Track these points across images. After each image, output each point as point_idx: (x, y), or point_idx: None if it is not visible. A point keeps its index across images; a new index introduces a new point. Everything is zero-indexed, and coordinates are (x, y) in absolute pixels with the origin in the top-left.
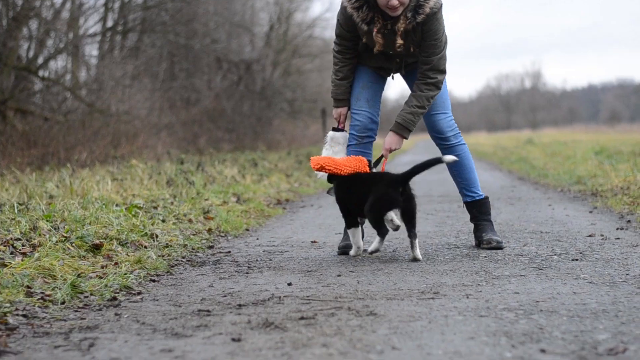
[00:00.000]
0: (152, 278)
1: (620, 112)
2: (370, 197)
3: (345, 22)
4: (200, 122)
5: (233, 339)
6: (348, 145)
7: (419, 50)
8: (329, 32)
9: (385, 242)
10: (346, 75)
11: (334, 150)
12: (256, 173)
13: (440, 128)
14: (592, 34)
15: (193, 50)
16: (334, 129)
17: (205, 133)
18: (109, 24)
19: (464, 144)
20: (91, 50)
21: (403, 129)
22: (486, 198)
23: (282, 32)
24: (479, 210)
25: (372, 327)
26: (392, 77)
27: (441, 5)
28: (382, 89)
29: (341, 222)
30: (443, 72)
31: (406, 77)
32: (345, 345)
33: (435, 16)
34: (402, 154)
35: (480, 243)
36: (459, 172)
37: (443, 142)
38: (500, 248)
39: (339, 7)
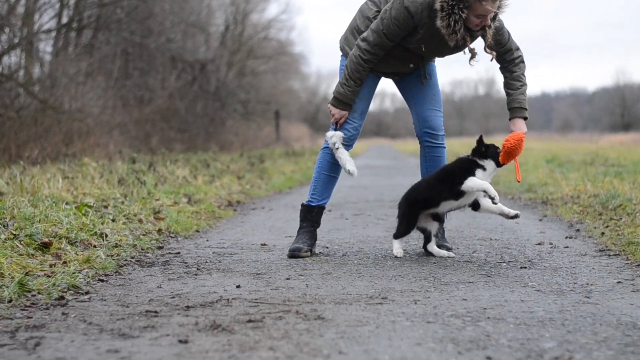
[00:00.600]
0: (101, 278)
1: (572, 121)
2: None
3: (403, 29)
4: (153, 121)
5: (180, 341)
6: (325, 148)
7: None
8: (285, 33)
9: (335, 246)
10: (363, 82)
11: (342, 148)
12: (208, 174)
13: (436, 125)
14: (547, 43)
15: (148, 49)
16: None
17: (158, 133)
18: (64, 20)
19: (445, 147)
20: (45, 47)
21: (524, 111)
22: None
23: (238, 32)
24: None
25: (320, 331)
26: (422, 83)
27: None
28: (372, 99)
29: (292, 225)
30: (518, 48)
31: (407, 82)
32: (292, 349)
33: (500, 22)
34: (356, 157)
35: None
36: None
37: (431, 139)
38: (449, 253)
39: (296, 10)
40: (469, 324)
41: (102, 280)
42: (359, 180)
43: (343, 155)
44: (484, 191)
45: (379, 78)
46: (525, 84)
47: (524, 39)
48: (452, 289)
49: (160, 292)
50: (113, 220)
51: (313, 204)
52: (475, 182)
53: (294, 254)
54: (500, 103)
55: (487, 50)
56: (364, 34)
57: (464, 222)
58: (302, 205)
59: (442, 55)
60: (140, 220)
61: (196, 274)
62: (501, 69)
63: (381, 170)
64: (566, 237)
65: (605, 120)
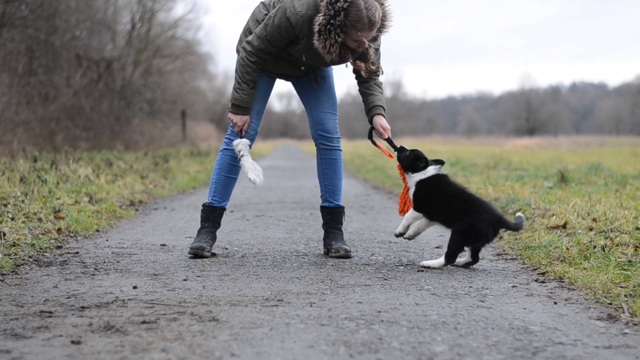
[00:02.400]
0: None
1: (478, 124)
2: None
3: (285, 37)
4: (57, 119)
5: (73, 342)
6: (224, 150)
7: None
8: (192, 33)
9: (235, 247)
10: (256, 83)
11: (248, 156)
12: (111, 173)
13: (330, 127)
14: (453, 46)
15: (53, 46)
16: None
17: (63, 130)
18: None
19: (341, 150)
20: None
21: (384, 110)
22: (343, 208)
23: (145, 31)
24: (333, 217)
25: (213, 333)
26: (315, 85)
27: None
28: (268, 98)
29: (193, 226)
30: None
31: (303, 85)
32: (184, 350)
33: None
34: (262, 158)
35: (329, 251)
36: (329, 176)
37: (326, 142)
38: (348, 257)
39: (203, 10)
40: (363, 327)
41: None
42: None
43: (247, 163)
44: None
45: (274, 79)
46: (382, 91)
47: (433, 41)
48: (348, 291)
49: (56, 292)
50: (12, 219)
51: (215, 205)
52: None
53: (197, 252)
54: (407, 106)
55: (371, 67)
56: (249, 37)
57: (364, 225)
58: (204, 205)
59: (325, 65)
60: (40, 219)
61: (93, 274)
62: (361, 81)
63: (286, 171)
64: None
65: (510, 124)
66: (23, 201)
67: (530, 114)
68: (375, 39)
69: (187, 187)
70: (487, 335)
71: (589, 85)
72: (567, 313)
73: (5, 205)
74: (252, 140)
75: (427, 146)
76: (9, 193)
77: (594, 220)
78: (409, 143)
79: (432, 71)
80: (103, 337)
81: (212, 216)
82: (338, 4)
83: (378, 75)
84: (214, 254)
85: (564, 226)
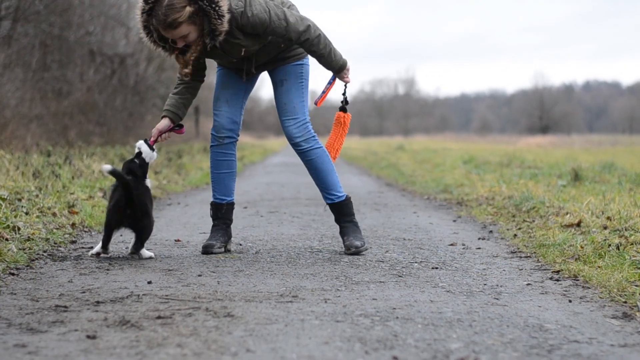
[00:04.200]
0: (12, 271)
1: (491, 122)
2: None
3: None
4: (71, 114)
5: (88, 336)
6: (210, 147)
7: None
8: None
9: (249, 243)
10: (179, 90)
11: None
12: None
13: (289, 133)
14: (469, 44)
15: (67, 42)
16: (145, 141)
17: (76, 126)
18: None
19: (317, 147)
20: None
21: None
22: (347, 199)
23: None
24: (339, 212)
25: (229, 329)
26: (244, 79)
27: (242, 6)
28: (247, 89)
29: (206, 222)
30: (303, 32)
31: (271, 74)
32: (199, 346)
33: (243, 20)
34: (274, 154)
35: (344, 248)
36: (315, 176)
37: (295, 147)
38: (359, 254)
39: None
40: (378, 323)
41: (12, 274)
42: (276, 178)
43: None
44: None
45: (228, 69)
46: (328, 50)
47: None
48: (362, 288)
49: (71, 286)
50: (26, 214)
51: (218, 202)
52: None
53: (206, 250)
54: (420, 103)
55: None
56: None
57: (378, 222)
58: (211, 203)
59: (218, 60)
60: (54, 214)
61: (108, 269)
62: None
63: (298, 167)
64: (479, 239)
65: (523, 122)
66: (37, 196)
67: (543, 112)
68: (242, 30)
69: (200, 182)
70: (503, 333)
71: (603, 84)
72: (582, 311)
73: (20, 200)
74: (224, 128)
75: (440, 144)
76: (23, 187)
77: (609, 218)
78: (421, 141)
79: (445, 69)
80: (118, 332)
81: (219, 213)
82: None
83: (307, 44)
84: (228, 250)
85: (578, 224)
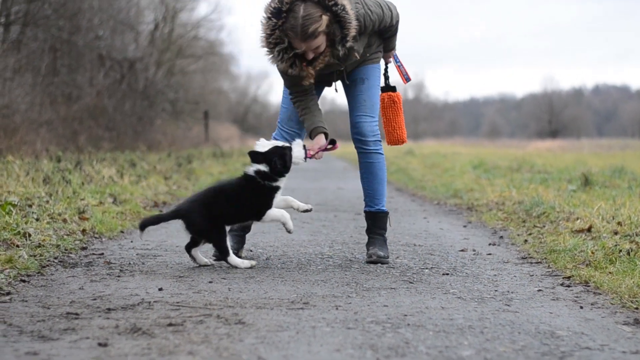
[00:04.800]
0: (23, 278)
1: (500, 126)
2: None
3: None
4: (80, 119)
5: (99, 344)
6: None
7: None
8: (214, 33)
9: (259, 249)
10: (312, 107)
11: None
12: (134, 174)
13: (364, 131)
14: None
15: (76, 46)
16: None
17: (86, 131)
18: None
19: (381, 153)
20: None
21: None
22: (386, 213)
23: (167, 31)
24: (374, 222)
25: (240, 336)
26: (336, 90)
27: (362, 8)
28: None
29: None
30: (397, 15)
31: (346, 87)
32: (211, 353)
33: (367, 21)
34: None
35: (367, 256)
36: (367, 179)
37: (361, 145)
38: (382, 263)
39: (226, 11)
40: (389, 330)
41: (23, 281)
42: (286, 183)
43: None
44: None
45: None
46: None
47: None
48: (373, 294)
49: (82, 293)
50: (37, 220)
51: None
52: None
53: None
54: (429, 107)
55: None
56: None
57: (388, 228)
58: None
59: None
60: (64, 220)
61: (119, 276)
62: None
63: (308, 172)
64: (489, 244)
65: (532, 126)
66: (47, 202)
67: (552, 116)
68: (362, 33)
69: None
70: (514, 340)
71: (612, 87)
72: (593, 317)
73: (30, 206)
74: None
75: (450, 148)
76: (34, 193)
77: (619, 224)
78: (430, 145)
79: (454, 73)
80: (130, 340)
81: None
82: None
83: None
84: (240, 257)
85: (589, 230)
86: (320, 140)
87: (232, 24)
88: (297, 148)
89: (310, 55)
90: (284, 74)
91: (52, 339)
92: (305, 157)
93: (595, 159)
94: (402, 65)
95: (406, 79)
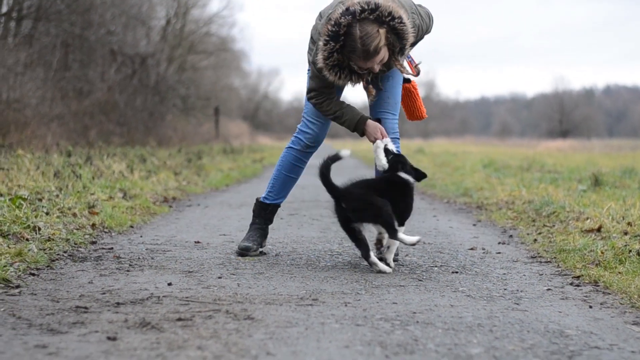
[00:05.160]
0: (32, 272)
1: (511, 125)
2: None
3: (325, 81)
4: (91, 114)
5: (108, 338)
6: (289, 148)
7: None
8: (226, 29)
9: (269, 245)
10: (339, 104)
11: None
12: (145, 169)
13: (385, 127)
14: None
15: (88, 41)
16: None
17: (97, 125)
18: (4, 9)
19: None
20: None
21: None
22: None
23: (179, 27)
24: None
25: (249, 332)
26: (373, 93)
27: (417, 17)
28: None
29: (226, 223)
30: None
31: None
32: (220, 348)
33: (421, 31)
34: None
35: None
36: None
37: None
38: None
39: (238, 7)
40: (398, 327)
41: (33, 275)
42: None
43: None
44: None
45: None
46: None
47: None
48: (383, 292)
49: (91, 287)
50: (47, 214)
51: (268, 202)
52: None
53: (242, 253)
54: (440, 106)
55: (367, 87)
56: (308, 85)
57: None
58: (257, 200)
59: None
60: (74, 215)
61: (128, 270)
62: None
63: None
64: (499, 243)
65: (543, 126)
66: (57, 196)
67: (563, 116)
68: (399, 50)
69: (220, 184)
70: (523, 339)
71: (623, 88)
72: (602, 317)
73: (40, 200)
74: (316, 140)
75: (460, 147)
76: (44, 187)
77: (629, 224)
78: (441, 144)
79: (465, 72)
80: (139, 334)
81: (263, 213)
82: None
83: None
84: (262, 253)
85: (599, 230)
86: (377, 126)
87: (243, 21)
88: (387, 143)
89: (377, 69)
90: (319, 77)
91: (61, 332)
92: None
93: (606, 159)
94: (413, 60)
95: (416, 70)
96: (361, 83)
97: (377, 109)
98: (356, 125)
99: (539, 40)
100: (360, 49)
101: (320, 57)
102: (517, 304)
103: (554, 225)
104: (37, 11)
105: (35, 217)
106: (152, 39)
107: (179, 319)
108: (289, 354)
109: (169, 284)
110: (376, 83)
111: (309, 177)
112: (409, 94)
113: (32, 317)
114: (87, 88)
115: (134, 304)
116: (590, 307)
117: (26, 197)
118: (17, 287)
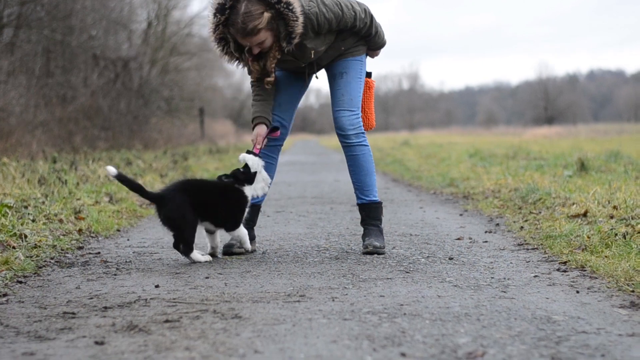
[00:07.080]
0: (19, 279)
1: (496, 114)
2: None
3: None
4: (76, 119)
5: (96, 342)
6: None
7: (340, 33)
8: (207, 30)
9: (256, 243)
10: (261, 97)
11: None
12: (130, 172)
13: (342, 125)
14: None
15: (70, 47)
16: (248, 152)
17: (81, 131)
18: None
19: (365, 145)
20: None
21: None
22: (379, 204)
23: (161, 29)
24: (367, 214)
25: (237, 331)
26: (317, 77)
27: (315, 6)
28: (301, 91)
29: None
30: (364, 17)
31: (328, 67)
32: (208, 348)
33: (320, 19)
34: (282, 153)
35: (363, 247)
36: (354, 172)
37: (343, 139)
38: (378, 253)
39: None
40: (385, 320)
41: (20, 282)
42: (282, 177)
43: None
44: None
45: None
46: (376, 30)
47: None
48: (370, 285)
49: (79, 293)
50: (33, 221)
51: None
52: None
53: (227, 250)
54: (425, 97)
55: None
56: None
57: (384, 218)
58: None
59: (284, 66)
60: (60, 221)
61: (115, 274)
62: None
63: (305, 166)
64: (485, 232)
65: (528, 113)
66: (43, 202)
67: (548, 103)
68: (313, 30)
69: None
70: (510, 326)
71: (607, 72)
72: (589, 302)
73: (26, 207)
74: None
75: (446, 138)
76: (30, 195)
77: (615, 208)
78: (427, 135)
79: (448, 62)
80: (126, 337)
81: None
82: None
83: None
84: (252, 250)
85: (585, 214)
86: (261, 130)
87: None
88: (248, 158)
89: (256, 50)
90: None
91: (49, 339)
92: (257, 156)
93: (592, 144)
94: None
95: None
96: (250, 65)
97: (333, 107)
98: (252, 120)
99: (522, 29)
100: (240, 25)
101: (209, 31)
102: (504, 292)
103: (540, 212)
104: (18, 19)
105: (22, 224)
106: (133, 42)
107: (167, 321)
108: (277, 351)
109: (157, 286)
110: (312, 73)
111: (294, 173)
112: (366, 91)
113: (20, 325)
114: (71, 94)
115: (121, 307)
116: (577, 292)
117: (12, 205)
118: (5, 295)
